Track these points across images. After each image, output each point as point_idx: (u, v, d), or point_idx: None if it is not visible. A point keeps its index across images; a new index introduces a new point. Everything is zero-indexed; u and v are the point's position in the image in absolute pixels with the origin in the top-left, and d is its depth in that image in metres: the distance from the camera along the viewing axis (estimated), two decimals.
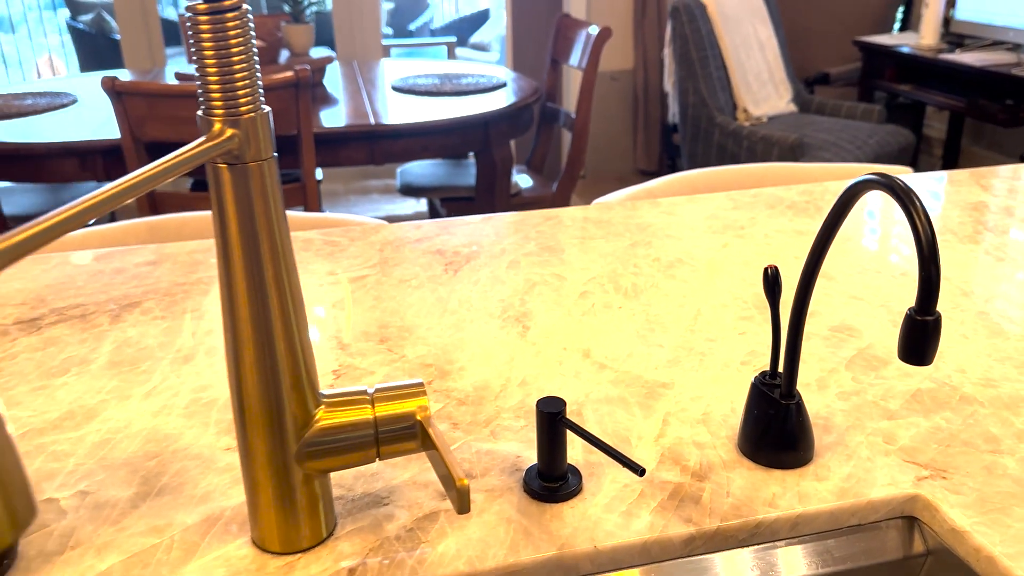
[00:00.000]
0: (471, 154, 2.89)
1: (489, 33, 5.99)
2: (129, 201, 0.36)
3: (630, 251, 0.94)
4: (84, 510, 0.54)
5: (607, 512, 0.54)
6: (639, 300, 0.82)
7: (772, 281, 0.55)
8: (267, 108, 0.43)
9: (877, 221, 1.02)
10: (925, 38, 3.52)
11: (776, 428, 0.56)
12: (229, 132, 0.41)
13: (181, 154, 0.39)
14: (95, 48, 5.39)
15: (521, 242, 0.97)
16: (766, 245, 0.94)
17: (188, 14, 0.40)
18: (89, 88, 2.69)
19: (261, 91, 0.43)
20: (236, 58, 0.41)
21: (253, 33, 0.41)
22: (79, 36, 5.45)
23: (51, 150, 2.11)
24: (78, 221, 0.32)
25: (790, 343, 0.55)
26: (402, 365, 0.72)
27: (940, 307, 0.79)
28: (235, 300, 0.45)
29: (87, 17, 5.42)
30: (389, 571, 0.49)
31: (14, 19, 6.35)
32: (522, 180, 2.79)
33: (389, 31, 6.23)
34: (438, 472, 0.48)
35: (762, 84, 3.28)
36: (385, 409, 0.49)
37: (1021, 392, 0.66)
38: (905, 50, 3.52)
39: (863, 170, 1.23)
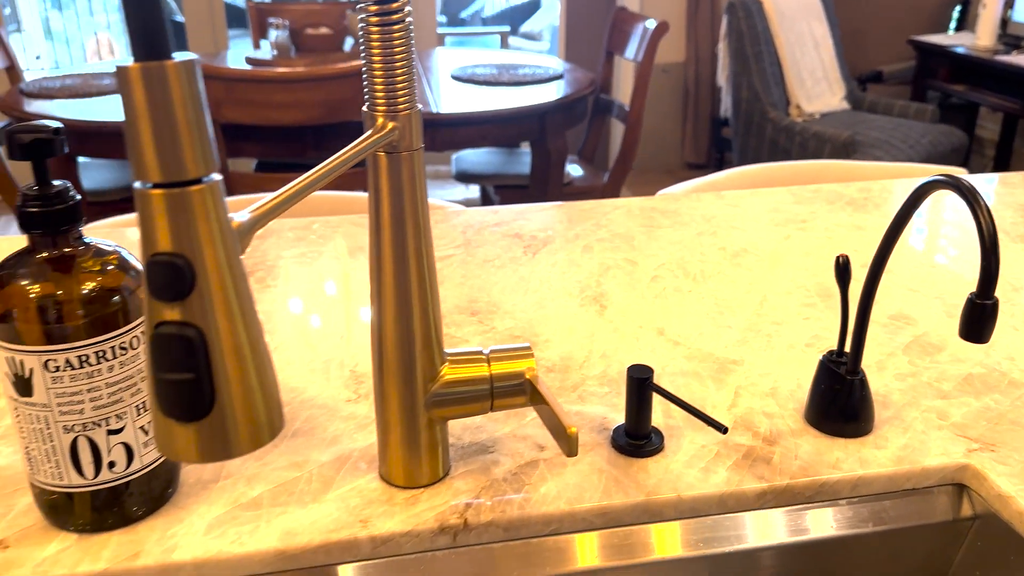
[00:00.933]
0: (524, 142, 2.96)
1: (540, 22, 6.04)
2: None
3: (697, 240, 1.00)
4: None
5: (687, 468, 0.61)
6: (707, 285, 0.89)
7: (843, 268, 0.61)
8: (420, 105, 0.50)
9: (928, 220, 1.07)
10: (981, 39, 3.51)
11: (841, 400, 0.63)
12: (390, 126, 0.49)
13: (356, 146, 0.47)
14: None
15: (593, 229, 1.04)
16: (827, 238, 1.00)
17: (361, 24, 0.48)
18: None
19: (416, 90, 0.50)
20: (399, 62, 0.48)
21: (413, 40, 0.49)
22: None
23: None
24: (288, 205, 0.41)
25: (858, 323, 0.61)
26: (493, 336, 0.79)
27: None
28: (382, 269, 0.53)
29: None
30: (500, 506, 0.57)
31: None
32: (573, 170, 2.86)
33: (442, 19, 6.31)
34: (547, 424, 0.55)
35: (816, 81, 3.30)
36: (499, 367, 0.57)
37: None
38: (960, 50, 3.51)
39: (918, 170, 1.28)
